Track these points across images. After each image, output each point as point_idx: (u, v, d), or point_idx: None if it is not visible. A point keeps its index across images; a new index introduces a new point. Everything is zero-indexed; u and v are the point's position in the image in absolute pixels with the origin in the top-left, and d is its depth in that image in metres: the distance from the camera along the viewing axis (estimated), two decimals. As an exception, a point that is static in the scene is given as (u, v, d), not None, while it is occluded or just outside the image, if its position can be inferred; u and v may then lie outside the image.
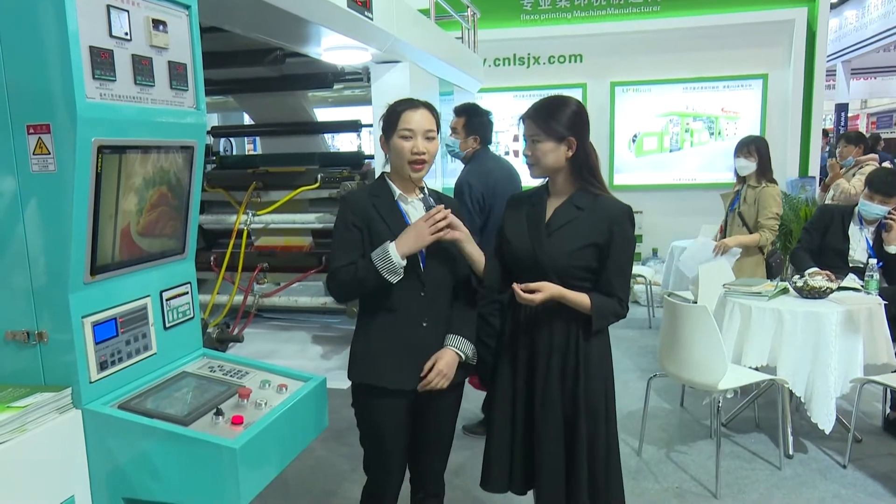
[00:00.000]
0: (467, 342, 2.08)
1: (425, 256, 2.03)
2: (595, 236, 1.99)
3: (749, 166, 4.26)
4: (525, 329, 2.11)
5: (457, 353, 2.05)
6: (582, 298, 2.00)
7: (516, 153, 7.50)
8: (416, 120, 2.01)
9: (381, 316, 2.04)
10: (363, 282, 1.95)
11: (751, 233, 4.23)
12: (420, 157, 2.00)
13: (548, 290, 1.97)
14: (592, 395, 2.07)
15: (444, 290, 2.08)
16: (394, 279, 1.93)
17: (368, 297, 2.07)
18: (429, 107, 2.07)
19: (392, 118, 2.04)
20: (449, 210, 1.99)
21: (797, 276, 3.59)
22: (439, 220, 1.93)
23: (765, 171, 4.27)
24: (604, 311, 2.02)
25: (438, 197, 2.15)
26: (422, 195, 2.06)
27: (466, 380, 2.24)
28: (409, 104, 2.06)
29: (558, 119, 1.99)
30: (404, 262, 1.93)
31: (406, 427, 2.11)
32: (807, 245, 3.97)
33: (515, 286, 2.00)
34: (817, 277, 3.52)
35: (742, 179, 4.38)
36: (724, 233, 4.49)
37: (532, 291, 1.96)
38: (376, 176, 4.27)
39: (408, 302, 2.02)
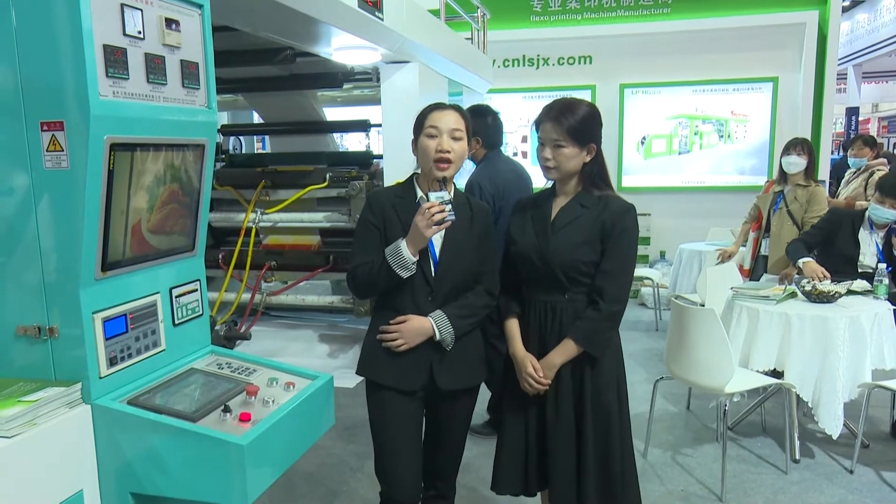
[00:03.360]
0: (448, 323, 2.02)
1: (437, 261, 2.04)
2: (597, 232, 2.02)
3: (800, 163, 4.33)
4: (537, 335, 2.12)
5: (432, 326, 2.01)
6: (568, 347, 2.03)
7: (524, 154, 7.49)
8: (443, 119, 2.03)
9: (390, 315, 2.06)
10: (378, 277, 1.99)
11: (800, 230, 4.26)
12: (444, 156, 2.00)
13: (544, 368, 2.05)
14: (603, 395, 2.07)
15: (453, 296, 2.08)
16: (404, 274, 1.97)
17: (380, 297, 2.10)
18: (457, 109, 2.09)
19: (420, 119, 2.08)
20: (441, 203, 1.94)
21: (805, 280, 3.58)
22: (435, 213, 1.92)
23: (812, 170, 4.38)
24: (594, 337, 2.03)
25: (469, 203, 2.14)
26: (437, 192, 1.98)
27: (482, 384, 2.25)
28: (437, 106, 2.10)
29: (583, 124, 2.00)
30: (415, 258, 1.96)
31: (413, 428, 2.11)
32: (807, 239, 3.96)
33: (525, 386, 2.08)
34: (825, 281, 3.51)
35: (784, 179, 4.43)
36: (765, 233, 4.51)
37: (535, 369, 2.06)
38: (384, 176, 4.31)
39: (416, 304, 2.04)
